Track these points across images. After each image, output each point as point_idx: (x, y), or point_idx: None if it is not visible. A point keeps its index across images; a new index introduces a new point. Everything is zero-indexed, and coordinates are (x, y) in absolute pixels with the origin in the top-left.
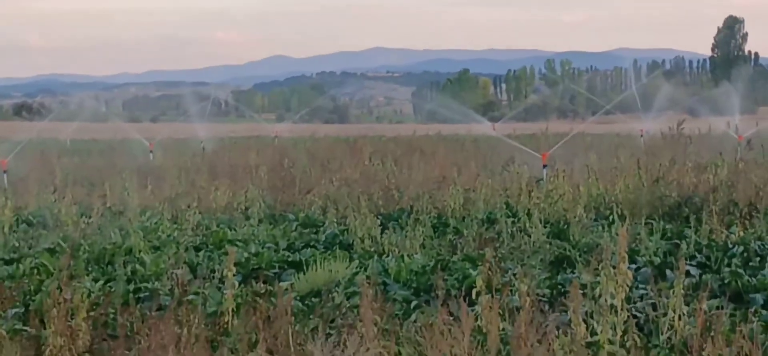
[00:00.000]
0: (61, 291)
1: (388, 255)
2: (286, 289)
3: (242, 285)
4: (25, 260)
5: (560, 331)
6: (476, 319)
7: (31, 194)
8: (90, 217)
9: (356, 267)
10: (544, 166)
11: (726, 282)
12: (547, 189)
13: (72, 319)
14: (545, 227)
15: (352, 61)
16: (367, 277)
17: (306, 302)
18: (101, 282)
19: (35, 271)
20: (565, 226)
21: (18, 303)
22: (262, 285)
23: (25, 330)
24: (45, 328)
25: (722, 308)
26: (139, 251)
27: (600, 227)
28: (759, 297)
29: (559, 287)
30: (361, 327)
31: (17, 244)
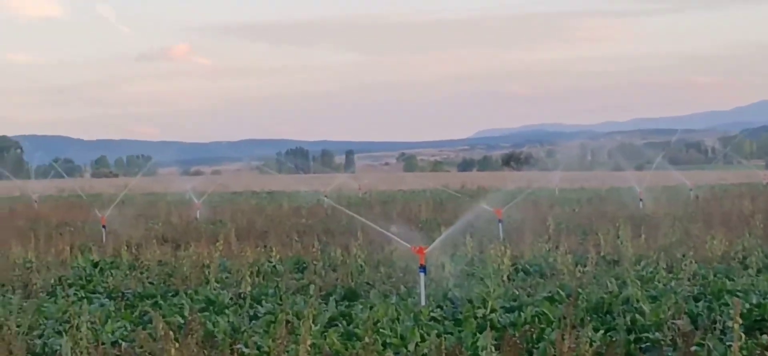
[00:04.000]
0: (564, 339)
1: None
2: None
3: (747, 337)
4: (526, 308)
5: None
6: None
7: (525, 243)
8: (585, 266)
9: None
10: None
11: None
12: None
13: None
14: None
15: None
16: None
17: None
18: (601, 332)
19: (536, 319)
20: None
21: (522, 351)
22: None
23: None
24: None
25: None
26: (637, 300)
27: None
28: None
29: None
30: None
31: (516, 292)
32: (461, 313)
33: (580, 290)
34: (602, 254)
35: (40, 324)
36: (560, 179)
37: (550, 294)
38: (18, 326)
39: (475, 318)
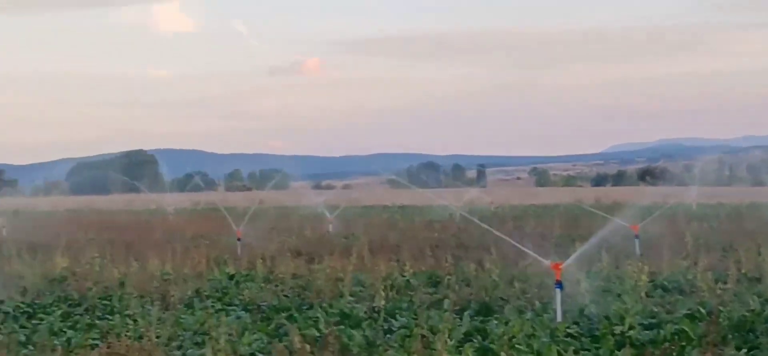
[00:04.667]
0: None
1: None
2: None
3: None
4: (665, 325)
5: None
6: None
7: (663, 260)
8: (726, 283)
9: None
10: None
11: None
12: None
13: None
14: None
15: None
16: None
17: None
18: (744, 351)
19: (676, 337)
20: None
21: None
22: None
23: None
24: None
25: None
26: None
27: None
28: None
29: None
30: None
31: (655, 309)
32: (598, 330)
33: (721, 307)
34: (743, 271)
35: (179, 336)
36: (697, 194)
37: (690, 312)
38: (157, 337)
39: (613, 334)
